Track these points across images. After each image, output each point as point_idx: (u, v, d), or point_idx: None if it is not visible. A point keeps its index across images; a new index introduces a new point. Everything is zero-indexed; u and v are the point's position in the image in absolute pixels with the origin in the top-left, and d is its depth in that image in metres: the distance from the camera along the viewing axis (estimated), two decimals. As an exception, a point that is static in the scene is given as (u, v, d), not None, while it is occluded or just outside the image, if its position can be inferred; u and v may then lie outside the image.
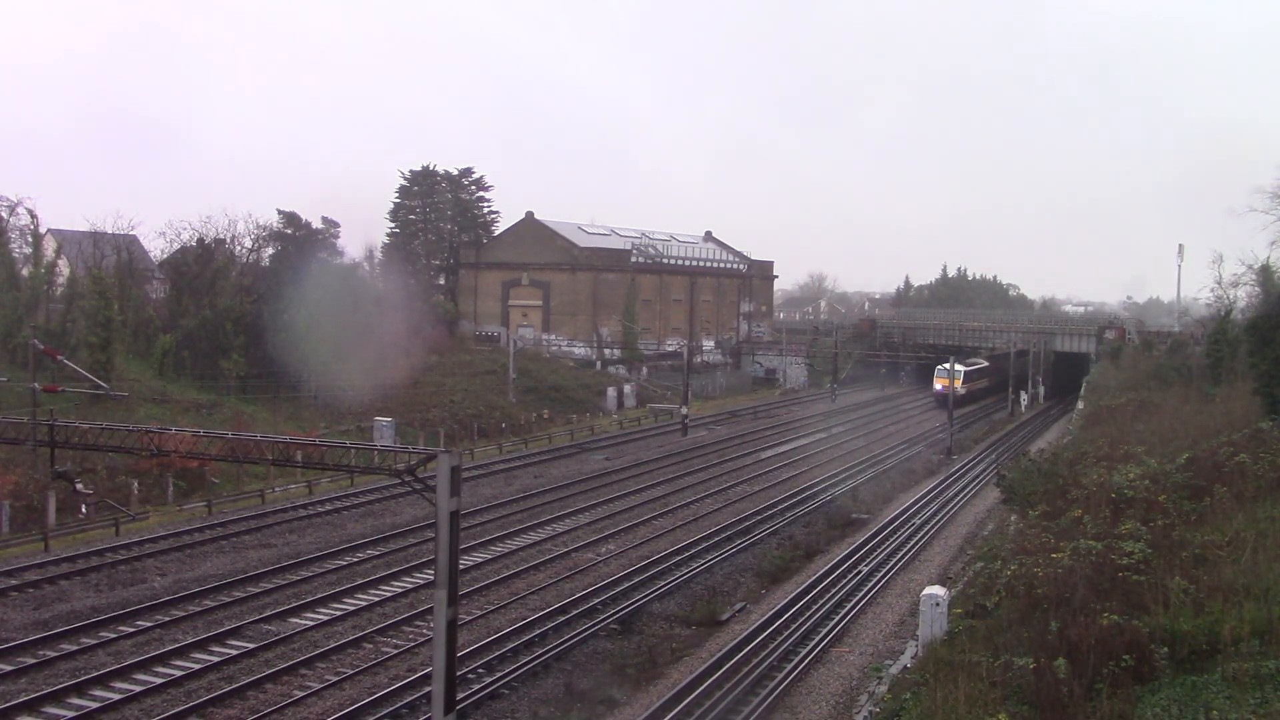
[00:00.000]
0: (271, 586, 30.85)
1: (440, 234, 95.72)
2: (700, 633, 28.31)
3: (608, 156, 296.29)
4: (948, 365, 78.10)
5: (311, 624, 27.69)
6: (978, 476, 52.37)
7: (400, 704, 22.45)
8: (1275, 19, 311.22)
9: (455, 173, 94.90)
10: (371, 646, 26.32)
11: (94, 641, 25.66)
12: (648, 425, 70.49)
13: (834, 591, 31.39)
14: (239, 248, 71.50)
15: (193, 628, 27.14)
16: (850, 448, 61.89)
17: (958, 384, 77.09)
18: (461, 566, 26.81)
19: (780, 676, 24.21)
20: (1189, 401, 44.70)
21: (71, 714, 21.55)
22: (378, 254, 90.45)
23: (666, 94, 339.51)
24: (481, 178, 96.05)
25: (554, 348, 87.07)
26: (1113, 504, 25.97)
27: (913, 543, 38.10)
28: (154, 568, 32.74)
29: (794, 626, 27.96)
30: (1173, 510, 24.70)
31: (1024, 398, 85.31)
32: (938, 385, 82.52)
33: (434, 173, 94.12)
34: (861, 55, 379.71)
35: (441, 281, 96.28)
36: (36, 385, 37.96)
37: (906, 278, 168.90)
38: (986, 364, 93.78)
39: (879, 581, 32.74)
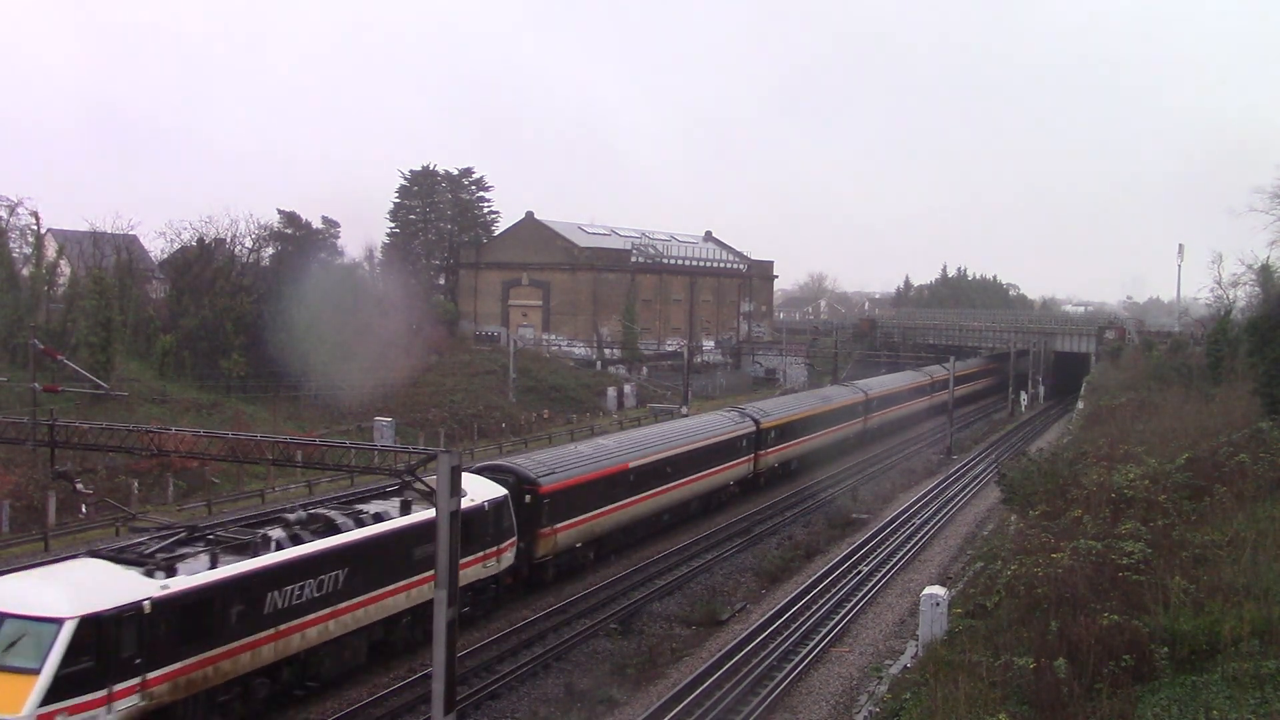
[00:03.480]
0: (271, 586, 30.78)
1: (440, 234, 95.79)
2: (700, 632, 28.31)
3: (607, 157, 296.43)
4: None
5: (311, 624, 27.64)
6: (978, 476, 52.33)
7: (400, 704, 22.46)
8: (1275, 16, 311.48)
9: (455, 173, 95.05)
10: (371, 646, 26.28)
11: (94, 641, 25.60)
12: (647, 425, 70.35)
13: (834, 591, 31.38)
14: (239, 247, 71.61)
15: (193, 628, 27.08)
16: (849, 446, 61.79)
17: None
18: (461, 566, 26.79)
19: (780, 676, 24.21)
20: (1189, 401, 44.61)
21: (71, 714, 21.51)
22: (378, 254, 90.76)
23: (666, 95, 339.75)
24: (481, 178, 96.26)
25: (554, 348, 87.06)
26: (1113, 504, 25.92)
27: (913, 543, 38.07)
28: (154, 568, 32.67)
29: (794, 626, 27.95)
30: (1173, 510, 24.66)
31: (1024, 397, 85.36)
32: None
33: (434, 173, 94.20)
34: (861, 55, 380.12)
35: (441, 281, 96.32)
36: (36, 385, 37.97)
37: (906, 278, 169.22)
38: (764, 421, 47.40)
39: (879, 581, 32.71)
